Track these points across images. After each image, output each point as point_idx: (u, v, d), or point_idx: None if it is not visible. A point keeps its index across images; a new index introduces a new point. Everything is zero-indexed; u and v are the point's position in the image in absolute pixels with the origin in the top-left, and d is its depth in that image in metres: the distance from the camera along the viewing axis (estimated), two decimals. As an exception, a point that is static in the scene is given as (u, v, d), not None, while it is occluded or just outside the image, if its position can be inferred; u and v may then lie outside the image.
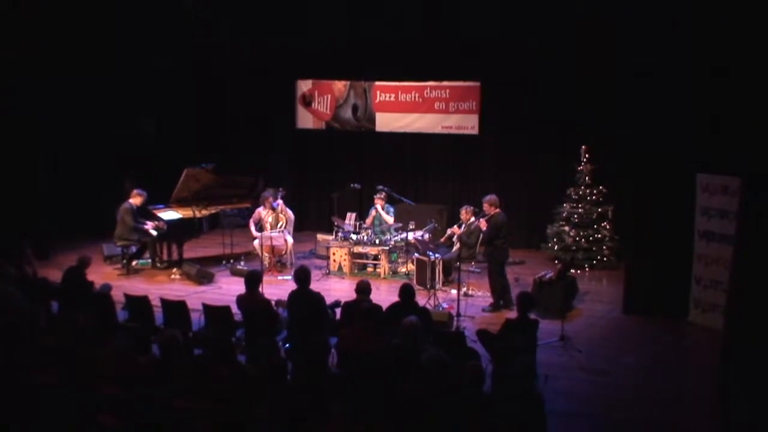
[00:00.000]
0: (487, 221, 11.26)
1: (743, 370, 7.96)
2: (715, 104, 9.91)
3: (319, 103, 16.56)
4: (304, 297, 8.72)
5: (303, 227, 16.01)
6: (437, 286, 11.87)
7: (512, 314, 9.36)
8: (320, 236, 14.43)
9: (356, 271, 13.27)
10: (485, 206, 11.38)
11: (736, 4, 9.38)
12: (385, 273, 13.09)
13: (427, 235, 12.78)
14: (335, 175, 16.17)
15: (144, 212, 13.35)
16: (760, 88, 8.66)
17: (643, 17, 10.68)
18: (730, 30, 9.43)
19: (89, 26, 14.91)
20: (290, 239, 13.57)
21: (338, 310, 8.95)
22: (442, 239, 13.03)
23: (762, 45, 8.64)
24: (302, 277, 8.77)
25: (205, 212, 13.61)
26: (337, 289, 12.10)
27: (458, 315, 10.51)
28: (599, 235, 13.83)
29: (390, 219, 13.61)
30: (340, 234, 13.52)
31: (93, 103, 15.41)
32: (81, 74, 15.05)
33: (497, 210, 11.30)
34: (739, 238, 8.73)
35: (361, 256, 13.38)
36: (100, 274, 12.52)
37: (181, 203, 13.63)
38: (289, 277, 12.43)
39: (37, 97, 14.03)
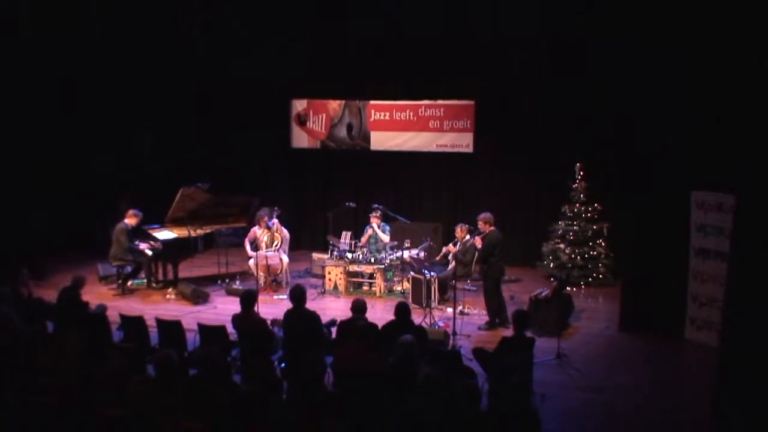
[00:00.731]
0: (482, 239, 11.27)
1: (738, 389, 7.94)
2: (710, 121, 9.95)
3: (314, 122, 16.60)
4: (299, 316, 8.70)
5: (298, 246, 16.00)
6: (433, 305, 11.86)
7: (508, 332, 9.36)
8: (315, 255, 14.41)
9: (352, 289, 13.25)
10: (480, 224, 11.39)
11: (732, 25, 9.44)
12: (380, 291, 13.07)
13: (422, 253, 12.79)
14: (330, 194, 16.18)
15: (139, 232, 13.33)
16: (754, 105, 8.69)
17: (638, 37, 10.74)
18: (725, 49, 9.47)
19: (83, 44, 14.99)
20: (285, 258, 13.56)
21: (334, 329, 8.93)
22: (438, 257, 13.05)
23: (754, 63, 8.67)
24: (297, 296, 8.75)
25: (200, 231, 13.59)
26: (333, 308, 12.08)
27: (454, 333, 10.49)
28: (595, 253, 13.84)
29: (386, 237, 13.61)
30: (335, 253, 13.51)
31: (88, 123, 15.44)
32: (76, 95, 15.11)
33: (492, 227, 11.31)
34: (733, 255, 8.74)
35: (356, 274, 13.36)
36: (95, 294, 12.49)
37: (176, 223, 13.61)
38: (285, 296, 12.40)
39: (33, 116, 14.04)
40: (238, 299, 9.04)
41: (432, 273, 12.09)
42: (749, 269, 8.15)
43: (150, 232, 13.40)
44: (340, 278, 13.28)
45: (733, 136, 9.17)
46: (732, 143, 9.17)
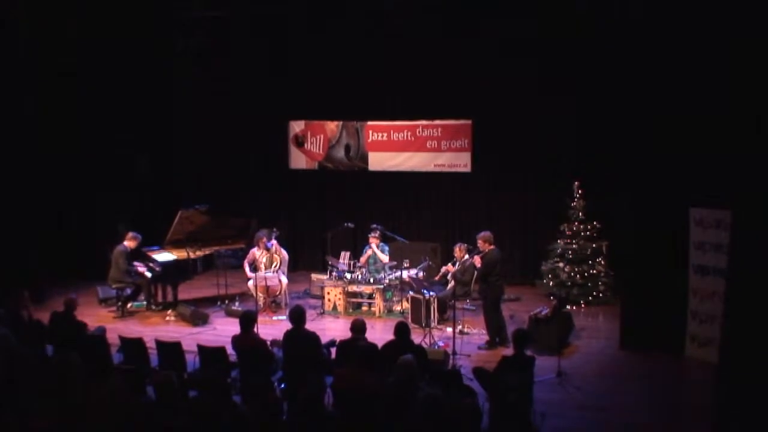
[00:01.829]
0: (481, 258, 11.27)
1: (738, 405, 7.91)
2: (706, 138, 9.98)
3: (311, 143, 16.64)
4: (299, 337, 8.69)
5: (297, 267, 16.00)
6: (432, 324, 11.85)
7: (508, 351, 9.34)
8: (314, 276, 14.41)
9: (351, 310, 13.23)
10: (479, 242, 11.39)
11: (729, 36, 9.48)
12: (380, 312, 13.06)
13: (421, 273, 12.79)
14: (329, 215, 16.21)
15: (139, 254, 13.34)
16: (752, 120, 8.71)
17: (632, 53, 10.80)
18: (720, 63, 9.52)
19: (79, 66, 15.05)
20: (285, 279, 13.55)
21: (333, 350, 8.91)
22: (437, 277, 13.04)
23: (753, 79, 8.71)
24: (297, 316, 8.74)
25: (199, 253, 13.60)
26: (332, 329, 12.06)
27: (454, 353, 10.48)
28: (594, 271, 13.83)
29: (385, 257, 13.61)
30: (334, 273, 13.51)
31: (86, 145, 15.49)
32: (73, 119, 15.18)
33: (492, 246, 11.31)
34: (731, 271, 8.72)
35: (355, 295, 13.35)
36: (95, 317, 12.50)
37: (175, 245, 13.62)
38: (284, 317, 12.41)
39: (33, 139, 14.08)
40: (237, 320, 9.03)
41: (431, 293, 12.08)
42: (747, 286, 8.14)
43: (149, 254, 13.42)
44: (340, 299, 13.27)
45: (731, 150, 9.17)
46: (730, 158, 9.18)
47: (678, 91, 10.30)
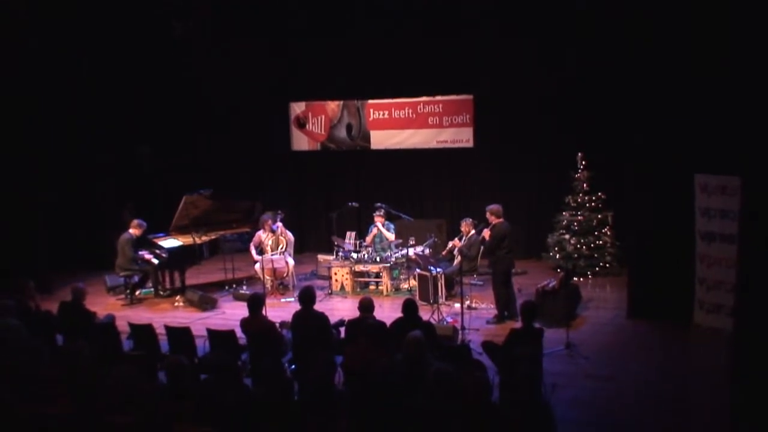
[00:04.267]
0: (490, 230, 11.24)
1: (755, 372, 7.91)
2: (711, 103, 9.92)
3: (313, 124, 16.61)
4: (308, 317, 8.71)
5: (303, 248, 16.03)
6: (440, 301, 11.85)
7: (517, 325, 9.34)
8: (321, 257, 14.43)
9: (358, 289, 13.25)
10: (488, 215, 11.35)
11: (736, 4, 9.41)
12: (387, 290, 13.07)
13: (427, 250, 12.79)
14: (333, 195, 16.22)
15: (145, 241, 13.36)
16: (757, 85, 8.65)
17: (639, 20, 10.71)
18: (728, 28, 9.44)
19: (79, 54, 15.02)
20: (291, 261, 13.57)
21: (342, 329, 8.93)
22: (443, 253, 13.03)
23: (760, 43, 8.64)
24: (307, 297, 8.76)
25: (205, 238, 13.62)
26: (340, 309, 12.09)
27: (463, 328, 10.49)
28: (600, 242, 13.82)
29: (391, 236, 13.61)
30: (340, 253, 13.52)
31: (88, 134, 15.49)
32: (75, 108, 15.16)
33: (500, 219, 11.28)
34: (741, 239, 8.67)
35: (362, 274, 13.37)
36: (103, 305, 12.54)
37: (180, 231, 13.63)
38: (292, 299, 12.48)
39: (36, 130, 14.07)
40: (245, 304, 9.04)
41: (438, 269, 12.08)
42: (760, 252, 8.11)
43: (155, 241, 13.44)
44: (347, 279, 13.29)
45: (737, 116, 9.12)
46: (736, 124, 9.13)
47: (681, 57, 10.23)
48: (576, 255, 13.75)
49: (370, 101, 16.11)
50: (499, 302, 11.35)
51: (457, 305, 11.30)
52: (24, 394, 6.43)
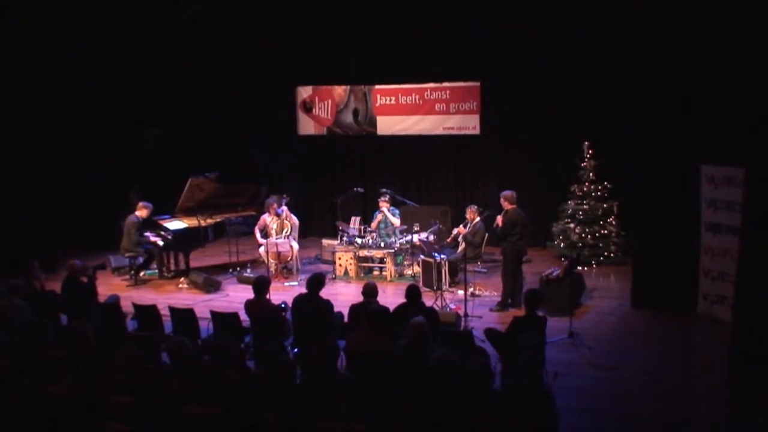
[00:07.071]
0: (502, 216, 11.23)
1: (753, 363, 7.92)
2: (719, 94, 9.89)
3: (319, 108, 16.59)
4: (312, 303, 8.72)
5: (308, 233, 16.05)
6: (444, 288, 11.86)
7: (520, 312, 9.35)
8: (325, 241, 14.44)
9: (362, 274, 13.25)
10: (502, 201, 11.33)
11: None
12: (391, 276, 13.08)
13: (431, 237, 12.78)
14: (338, 180, 16.20)
15: (150, 223, 13.38)
16: (762, 78, 8.63)
17: (647, 9, 10.66)
18: (732, 20, 9.41)
19: (87, 37, 14.98)
20: (295, 245, 13.58)
21: (346, 313, 8.95)
22: (448, 239, 13.03)
23: (764, 35, 8.61)
24: (315, 284, 8.78)
25: (210, 221, 13.63)
26: (344, 294, 12.11)
27: (466, 315, 10.50)
28: (605, 231, 13.81)
29: (397, 221, 13.61)
30: (345, 238, 13.52)
31: (95, 116, 15.49)
32: (82, 90, 15.16)
33: (514, 206, 11.25)
34: (744, 229, 8.68)
35: (366, 259, 13.37)
36: (108, 286, 12.58)
37: (186, 213, 13.64)
38: (296, 283, 12.52)
39: (41, 111, 14.08)
40: (249, 287, 9.08)
41: (442, 256, 12.08)
42: (761, 242, 8.11)
43: (160, 222, 13.46)
44: (351, 264, 13.29)
45: (743, 108, 9.10)
46: (741, 115, 9.11)
47: (688, 48, 10.19)
48: (581, 244, 13.75)
49: (377, 87, 16.07)
50: (505, 287, 11.33)
51: (461, 292, 11.31)
52: (28, 374, 6.45)
